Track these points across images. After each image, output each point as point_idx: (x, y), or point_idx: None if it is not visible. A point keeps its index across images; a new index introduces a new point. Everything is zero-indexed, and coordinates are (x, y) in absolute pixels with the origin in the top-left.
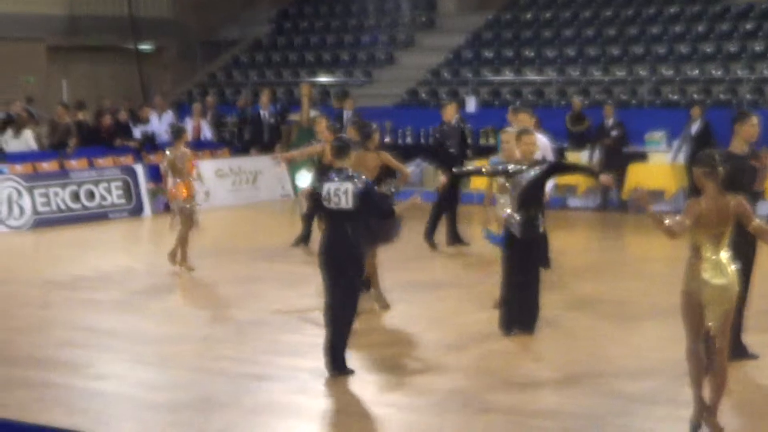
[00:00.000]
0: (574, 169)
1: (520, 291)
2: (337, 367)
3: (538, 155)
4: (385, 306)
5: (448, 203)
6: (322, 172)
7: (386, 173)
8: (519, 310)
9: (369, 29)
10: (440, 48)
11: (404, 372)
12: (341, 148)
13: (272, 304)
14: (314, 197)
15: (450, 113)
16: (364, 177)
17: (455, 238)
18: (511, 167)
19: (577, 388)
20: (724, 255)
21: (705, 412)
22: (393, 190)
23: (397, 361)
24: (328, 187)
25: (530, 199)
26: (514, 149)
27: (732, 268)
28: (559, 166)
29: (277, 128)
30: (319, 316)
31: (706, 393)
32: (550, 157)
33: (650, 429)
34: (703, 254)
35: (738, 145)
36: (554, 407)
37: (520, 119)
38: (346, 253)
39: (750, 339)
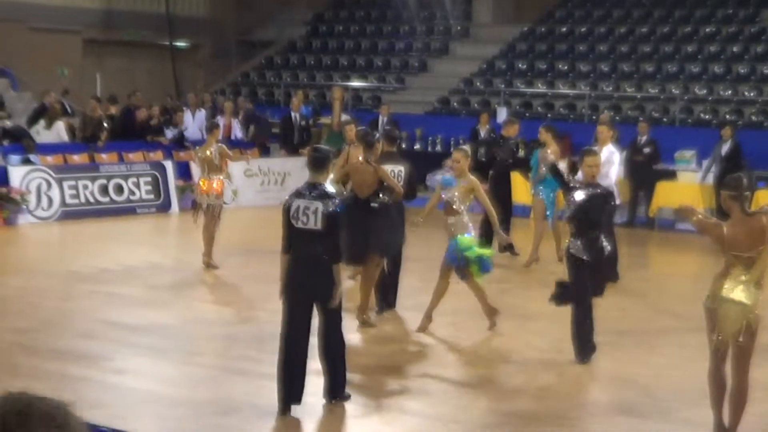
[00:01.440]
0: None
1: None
2: (337, 395)
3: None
4: (370, 324)
5: None
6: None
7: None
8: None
9: (404, 36)
10: (474, 57)
11: (411, 375)
12: (317, 160)
13: None
14: (284, 212)
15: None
16: (338, 199)
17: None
18: (572, 183)
19: (596, 407)
20: (753, 277)
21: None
22: (387, 200)
23: (402, 367)
24: (298, 204)
25: (586, 221)
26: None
27: (757, 291)
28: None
29: (308, 130)
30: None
31: (726, 415)
32: (614, 170)
33: None
34: (731, 273)
35: None
36: (568, 423)
37: (600, 131)
38: (318, 277)
39: None
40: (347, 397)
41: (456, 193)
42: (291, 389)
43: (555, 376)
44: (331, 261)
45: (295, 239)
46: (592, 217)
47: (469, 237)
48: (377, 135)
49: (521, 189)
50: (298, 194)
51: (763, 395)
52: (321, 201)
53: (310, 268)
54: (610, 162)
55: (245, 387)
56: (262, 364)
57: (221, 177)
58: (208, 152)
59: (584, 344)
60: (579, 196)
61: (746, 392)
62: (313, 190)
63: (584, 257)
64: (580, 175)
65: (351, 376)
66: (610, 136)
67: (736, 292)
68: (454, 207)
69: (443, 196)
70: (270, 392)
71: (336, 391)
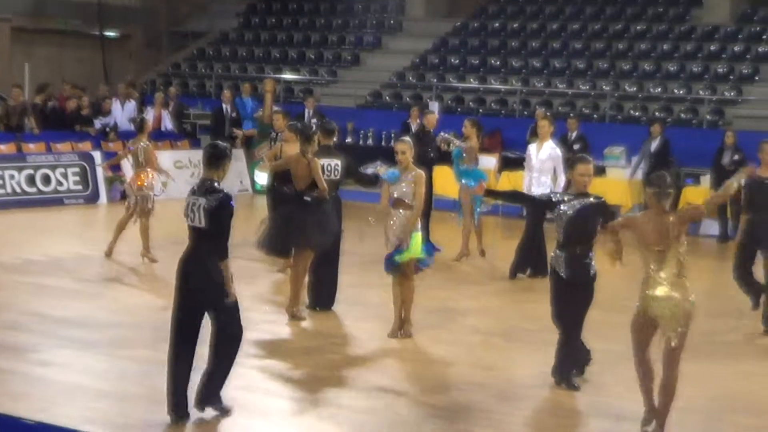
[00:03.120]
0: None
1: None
2: (212, 402)
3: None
4: (300, 317)
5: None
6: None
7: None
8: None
9: (336, 29)
10: (406, 52)
11: (347, 373)
12: (212, 157)
13: None
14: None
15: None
16: (222, 194)
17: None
18: (555, 197)
19: (526, 404)
20: (671, 271)
21: (654, 417)
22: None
23: (335, 362)
24: (187, 201)
25: (576, 235)
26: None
27: (680, 283)
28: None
29: (239, 122)
30: (271, 313)
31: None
32: (561, 168)
33: None
34: (651, 274)
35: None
36: None
37: (541, 125)
38: (203, 278)
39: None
40: (225, 411)
41: (408, 188)
42: (177, 397)
43: (483, 370)
44: (216, 259)
45: (189, 236)
46: (583, 232)
47: (419, 234)
48: (315, 128)
49: (449, 183)
50: (191, 191)
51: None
52: (205, 197)
53: (196, 267)
54: (554, 158)
55: None
56: None
57: (148, 170)
58: (135, 148)
59: (564, 370)
60: (569, 208)
61: (675, 383)
62: (201, 185)
63: (561, 273)
64: (561, 183)
65: (283, 370)
66: (551, 132)
67: (661, 289)
68: (407, 201)
69: (393, 192)
70: (197, 384)
71: (210, 398)
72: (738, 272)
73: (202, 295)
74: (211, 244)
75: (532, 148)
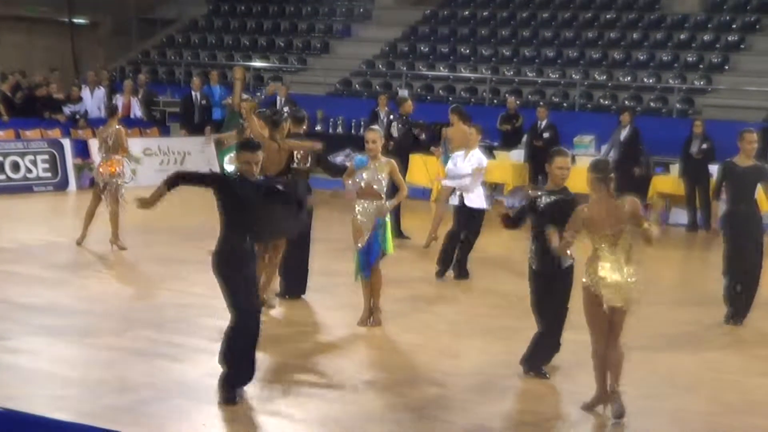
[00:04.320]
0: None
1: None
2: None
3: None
4: (270, 305)
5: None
6: None
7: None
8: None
9: (306, 17)
10: (376, 40)
11: (315, 360)
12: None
13: (194, 286)
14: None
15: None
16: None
17: (398, 233)
18: (530, 193)
19: (487, 394)
20: (622, 255)
21: (609, 397)
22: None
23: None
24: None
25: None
26: None
27: (630, 268)
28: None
29: (209, 110)
30: None
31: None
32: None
33: None
34: (600, 254)
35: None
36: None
37: (470, 132)
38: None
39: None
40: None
41: (381, 175)
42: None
43: (451, 358)
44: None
45: None
46: (555, 225)
47: (389, 225)
48: (285, 115)
49: (420, 171)
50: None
51: (672, 391)
52: None
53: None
54: (480, 166)
55: (142, 367)
56: (160, 345)
57: (118, 157)
58: (105, 134)
59: (535, 360)
60: (543, 201)
61: (622, 359)
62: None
63: (534, 266)
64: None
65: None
66: (478, 140)
67: (613, 274)
68: (375, 188)
69: (363, 177)
70: (167, 373)
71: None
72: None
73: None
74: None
75: (459, 156)
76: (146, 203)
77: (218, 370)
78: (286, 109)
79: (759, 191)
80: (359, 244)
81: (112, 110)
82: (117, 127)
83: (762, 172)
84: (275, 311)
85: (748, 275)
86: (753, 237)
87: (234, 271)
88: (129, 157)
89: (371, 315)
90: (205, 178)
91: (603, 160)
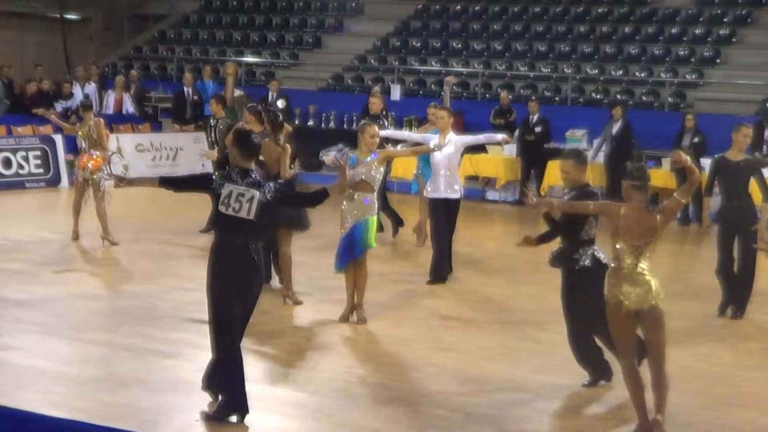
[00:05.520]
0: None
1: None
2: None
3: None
4: (297, 301)
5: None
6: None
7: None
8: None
9: (298, 12)
10: (368, 34)
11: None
12: (256, 147)
13: (185, 282)
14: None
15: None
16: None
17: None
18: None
19: (482, 383)
20: (644, 266)
21: (652, 425)
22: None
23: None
24: (230, 189)
25: (566, 230)
26: None
27: (652, 280)
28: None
29: (201, 105)
30: None
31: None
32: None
33: None
34: (622, 264)
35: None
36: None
37: (440, 116)
38: (248, 269)
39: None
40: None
41: (377, 169)
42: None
43: (442, 352)
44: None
45: (221, 225)
46: (573, 225)
47: (375, 220)
48: (280, 117)
49: (404, 164)
50: (229, 179)
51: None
52: (258, 189)
53: (241, 257)
54: (461, 145)
55: (134, 363)
56: (152, 340)
57: (99, 153)
58: (86, 128)
59: (588, 364)
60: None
61: (667, 384)
62: (245, 176)
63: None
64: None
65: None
66: (451, 123)
67: (634, 285)
68: (370, 183)
69: (361, 172)
70: (160, 368)
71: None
72: (721, 267)
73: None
74: (255, 235)
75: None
76: (128, 183)
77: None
78: (279, 103)
79: (752, 184)
80: (342, 231)
81: (85, 105)
82: (97, 119)
83: (754, 165)
84: (265, 305)
85: (743, 271)
86: (747, 232)
87: (219, 274)
88: (119, 152)
89: (353, 311)
90: (193, 182)
91: (639, 166)
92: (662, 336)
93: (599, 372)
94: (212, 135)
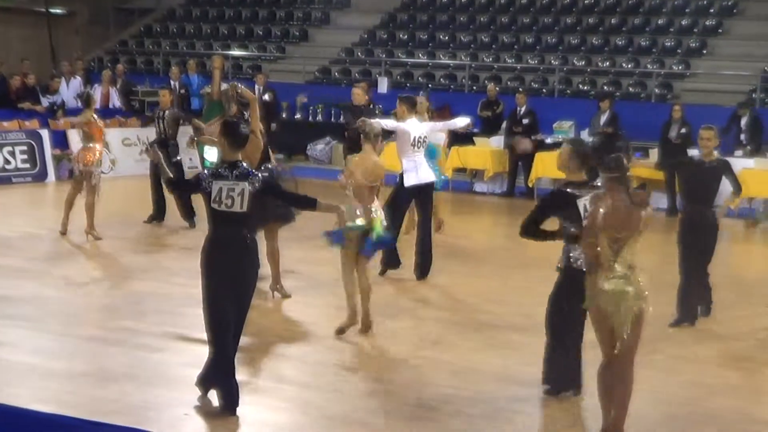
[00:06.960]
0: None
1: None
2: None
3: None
4: (286, 295)
5: None
6: None
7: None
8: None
9: (284, 5)
10: (355, 27)
11: (305, 350)
12: (243, 138)
13: (174, 277)
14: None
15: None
16: (262, 175)
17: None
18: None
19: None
20: (626, 263)
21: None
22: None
23: (294, 340)
24: (220, 186)
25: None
26: None
27: (634, 277)
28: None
29: (187, 99)
30: None
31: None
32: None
33: None
34: (602, 260)
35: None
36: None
37: (419, 101)
38: (245, 261)
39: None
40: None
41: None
42: (229, 391)
43: (432, 345)
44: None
45: (213, 221)
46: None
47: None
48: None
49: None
50: (218, 176)
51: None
52: (247, 181)
53: (236, 250)
54: (431, 128)
55: (123, 358)
56: (141, 335)
57: (95, 146)
58: (83, 122)
59: (552, 374)
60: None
61: (631, 386)
62: (234, 169)
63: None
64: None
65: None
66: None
67: (615, 281)
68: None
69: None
70: (148, 363)
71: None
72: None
73: (247, 276)
74: (249, 226)
75: (411, 123)
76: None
77: (200, 359)
78: (265, 97)
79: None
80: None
81: (87, 99)
82: (94, 116)
83: (724, 167)
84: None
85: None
86: (707, 239)
87: (215, 268)
88: (105, 144)
89: (360, 320)
90: (191, 188)
91: (616, 156)
92: (638, 335)
93: (568, 382)
94: (160, 126)
